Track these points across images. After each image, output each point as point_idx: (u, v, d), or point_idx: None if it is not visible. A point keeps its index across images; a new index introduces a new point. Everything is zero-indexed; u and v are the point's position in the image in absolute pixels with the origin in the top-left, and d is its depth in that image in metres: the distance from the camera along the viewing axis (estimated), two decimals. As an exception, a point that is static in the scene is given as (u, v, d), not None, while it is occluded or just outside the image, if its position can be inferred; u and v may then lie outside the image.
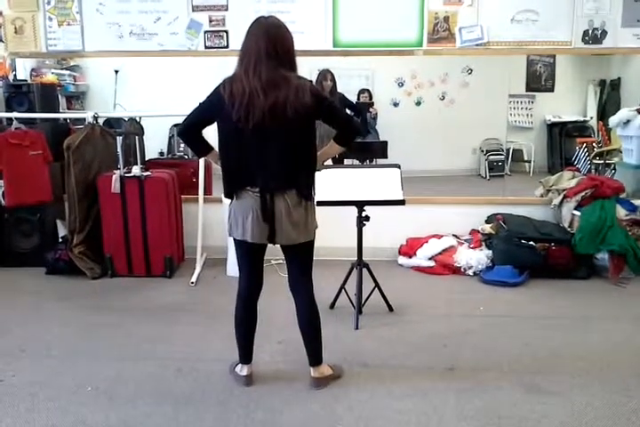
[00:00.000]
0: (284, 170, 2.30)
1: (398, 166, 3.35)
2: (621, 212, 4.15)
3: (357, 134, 2.44)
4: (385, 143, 5.39)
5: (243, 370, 2.61)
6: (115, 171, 4.07)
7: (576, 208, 4.25)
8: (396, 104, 7.81)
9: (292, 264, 2.53)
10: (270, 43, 2.25)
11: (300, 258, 2.50)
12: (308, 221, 2.41)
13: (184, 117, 2.41)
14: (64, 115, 5.26)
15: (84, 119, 4.25)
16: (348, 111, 5.66)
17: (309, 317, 2.52)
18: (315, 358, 2.57)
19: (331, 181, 3.26)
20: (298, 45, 2.38)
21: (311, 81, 2.35)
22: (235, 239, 2.46)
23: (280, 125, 2.23)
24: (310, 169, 2.39)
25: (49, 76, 5.90)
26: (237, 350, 2.60)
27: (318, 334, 2.55)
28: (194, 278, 4.01)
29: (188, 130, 2.40)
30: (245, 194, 2.35)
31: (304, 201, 2.36)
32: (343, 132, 2.39)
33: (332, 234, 4.04)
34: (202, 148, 2.46)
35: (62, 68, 6.82)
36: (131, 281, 4.05)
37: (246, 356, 2.60)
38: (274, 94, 2.21)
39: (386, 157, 5.26)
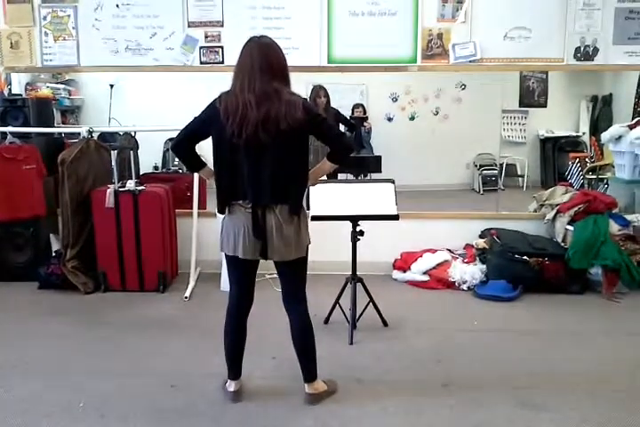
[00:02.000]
0: (275, 185, 2.31)
1: (392, 181, 3.37)
2: (614, 227, 4.17)
3: (350, 152, 2.45)
4: (379, 158, 5.41)
5: (230, 386, 2.59)
6: (109, 185, 4.07)
7: (569, 223, 4.27)
8: (390, 119, 7.87)
9: (285, 280, 2.52)
10: (264, 58, 2.29)
11: (293, 274, 2.50)
12: (301, 238, 2.40)
13: (178, 131, 2.42)
14: (59, 129, 5.26)
15: (79, 133, 4.25)
16: (341, 127, 5.71)
17: (303, 333, 2.51)
18: (309, 374, 2.56)
19: (325, 196, 3.28)
20: (293, 61, 2.43)
21: (305, 98, 2.38)
22: (226, 255, 2.47)
23: (272, 139, 2.25)
24: (301, 185, 2.40)
25: (44, 91, 5.92)
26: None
27: (312, 351, 2.54)
28: (187, 293, 4.00)
29: (182, 144, 2.41)
30: (237, 209, 2.37)
31: (295, 217, 2.36)
32: (335, 150, 2.40)
33: (327, 248, 4.04)
34: (194, 163, 2.47)
35: (57, 83, 6.84)
36: (124, 296, 4.02)
37: (234, 371, 2.58)
38: (266, 107, 2.23)
39: (380, 171, 5.28)
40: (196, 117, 2.38)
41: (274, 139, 2.24)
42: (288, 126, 2.23)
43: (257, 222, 2.32)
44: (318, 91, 5.58)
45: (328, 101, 5.61)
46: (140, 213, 4.00)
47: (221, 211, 2.43)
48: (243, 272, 2.50)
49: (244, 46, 2.36)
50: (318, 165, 2.50)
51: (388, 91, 7.77)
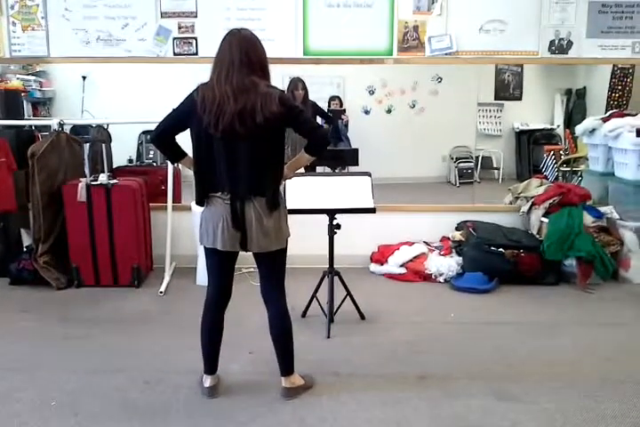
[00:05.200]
0: (252, 177, 2.30)
1: (369, 174, 3.36)
2: (588, 219, 4.22)
3: (326, 144, 2.44)
4: (356, 151, 5.40)
5: (206, 381, 2.56)
6: (81, 179, 3.99)
7: (544, 215, 4.30)
8: (367, 112, 7.85)
9: (265, 273, 2.51)
10: (243, 52, 2.28)
11: (273, 266, 2.49)
12: (281, 229, 2.40)
13: (155, 124, 2.39)
14: (28, 122, 5.14)
15: (50, 126, 4.15)
16: (319, 119, 5.69)
17: (282, 326, 2.50)
18: (286, 367, 2.55)
19: (302, 189, 3.25)
20: (268, 53, 2.41)
21: (283, 90, 2.36)
22: (205, 247, 2.44)
23: (249, 132, 2.24)
24: (278, 177, 2.39)
25: (14, 82, 5.79)
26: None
27: (290, 344, 2.53)
28: (163, 288, 3.95)
29: (161, 136, 2.39)
30: (216, 201, 2.35)
31: (274, 209, 2.35)
32: (312, 142, 2.39)
33: (304, 242, 4.01)
34: (175, 154, 2.45)
35: (28, 74, 6.69)
36: (98, 291, 3.95)
37: (210, 366, 2.56)
38: (243, 99, 2.23)
39: (357, 164, 5.27)
40: (174, 109, 2.37)
41: (250, 131, 2.23)
42: (264, 119, 2.22)
43: (236, 214, 2.31)
44: (296, 83, 5.54)
45: (306, 94, 5.57)
46: (112, 207, 3.94)
47: (200, 203, 2.42)
48: (222, 265, 2.48)
49: (224, 39, 2.35)
50: (295, 157, 2.49)
51: (365, 83, 7.75)
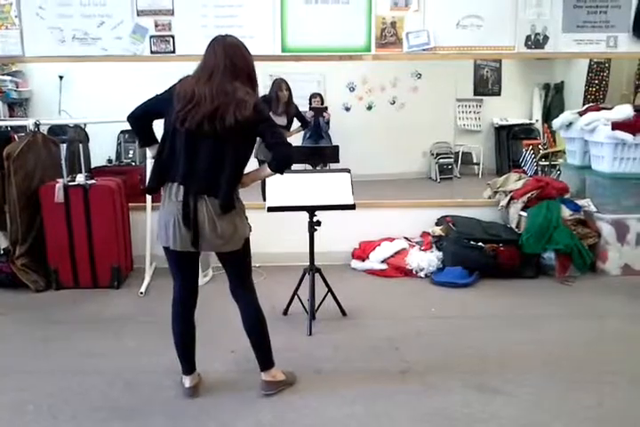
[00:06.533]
0: (207, 176, 2.29)
1: (348, 171, 3.36)
2: (566, 212, 4.26)
3: (288, 163, 2.44)
4: (336, 148, 5.41)
5: (186, 381, 2.55)
6: (58, 179, 3.95)
7: (523, 209, 4.34)
8: (347, 109, 7.87)
9: (228, 271, 2.53)
10: (228, 58, 2.31)
11: (235, 264, 2.50)
12: (236, 231, 2.37)
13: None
14: (4, 122, 5.07)
15: (26, 127, 4.10)
16: (296, 120, 5.69)
17: (253, 319, 2.51)
18: (264, 362, 2.55)
19: (282, 187, 3.25)
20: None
21: (261, 100, 2.36)
22: (163, 247, 2.44)
23: (215, 132, 2.25)
24: (233, 181, 2.35)
25: (-11, 83, 5.71)
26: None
27: (265, 338, 2.53)
28: (143, 288, 3.92)
29: (137, 117, 2.41)
30: (169, 199, 2.33)
31: (227, 211, 2.32)
32: (275, 157, 2.37)
33: (284, 239, 4.02)
34: (146, 137, 2.48)
35: (4, 74, 6.61)
36: (77, 293, 3.91)
37: (188, 366, 2.55)
38: (217, 102, 2.24)
39: (337, 161, 5.28)
40: (156, 95, 2.40)
41: (216, 132, 2.25)
42: (235, 122, 2.23)
43: (187, 212, 2.29)
44: (280, 84, 5.51)
45: (290, 94, 5.55)
46: (91, 208, 3.90)
47: (150, 191, 2.46)
48: (182, 264, 2.48)
49: (209, 45, 2.37)
50: (257, 169, 2.48)
51: (345, 80, 7.77)
